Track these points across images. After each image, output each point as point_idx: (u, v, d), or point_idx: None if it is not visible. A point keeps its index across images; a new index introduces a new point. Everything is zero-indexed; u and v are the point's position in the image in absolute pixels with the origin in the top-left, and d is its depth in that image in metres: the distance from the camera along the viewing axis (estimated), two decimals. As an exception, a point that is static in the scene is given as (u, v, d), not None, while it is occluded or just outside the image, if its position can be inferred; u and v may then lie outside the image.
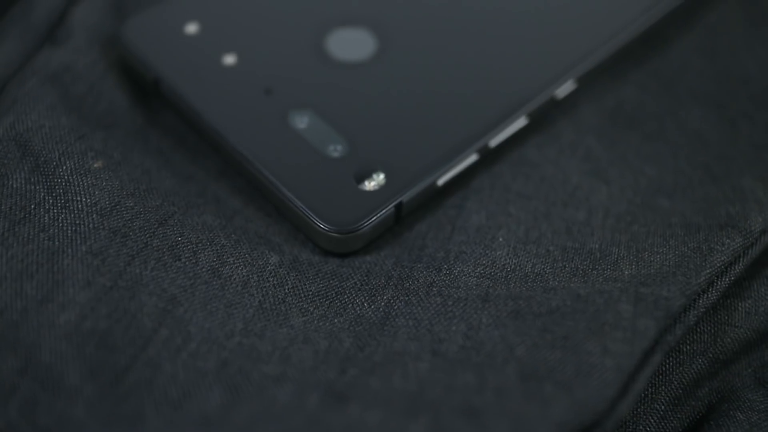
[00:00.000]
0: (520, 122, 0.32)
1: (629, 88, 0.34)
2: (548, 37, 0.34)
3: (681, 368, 0.28)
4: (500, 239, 0.29)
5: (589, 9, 0.35)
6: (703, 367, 0.29)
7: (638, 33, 0.34)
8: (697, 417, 0.29)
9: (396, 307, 0.27)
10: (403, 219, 0.30)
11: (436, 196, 0.31)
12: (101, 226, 0.27)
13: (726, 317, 0.29)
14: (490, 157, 0.32)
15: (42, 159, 0.29)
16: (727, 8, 0.37)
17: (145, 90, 0.33)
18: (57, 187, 0.28)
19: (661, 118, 0.34)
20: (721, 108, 0.34)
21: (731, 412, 0.28)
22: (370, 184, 0.29)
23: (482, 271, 0.28)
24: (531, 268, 0.28)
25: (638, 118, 0.33)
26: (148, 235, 0.28)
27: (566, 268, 0.28)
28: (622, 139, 0.33)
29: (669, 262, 0.28)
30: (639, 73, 0.35)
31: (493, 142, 0.31)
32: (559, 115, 0.33)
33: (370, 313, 0.27)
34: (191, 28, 0.33)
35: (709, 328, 0.29)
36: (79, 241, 0.27)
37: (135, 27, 0.33)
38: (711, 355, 0.29)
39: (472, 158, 0.31)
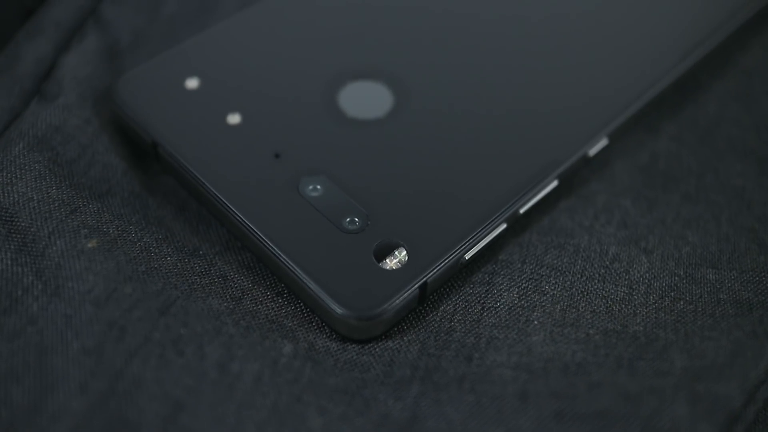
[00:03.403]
0: (551, 185, 0.29)
1: (663, 140, 0.32)
2: (578, 92, 0.31)
3: (736, 463, 0.26)
4: (535, 322, 0.27)
5: (619, 60, 0.32)
6: (759, 459, 0.26)
7: (672, 82, 0.32)
8: None
9: (424, 405, 0.25)
10: (427, 299, 0.27)
11: (461, 271, 0.28)
12: (96, 319, 0.25)
13: (781, 405, 0.26)
14: (518, 225, 0.29)
15: (30, 237, 0.26)
16: (761, 49, 0.35)
17: (142, 150, 0.30)
18: (47, 270, 0.26)
19: (699, 175, 0.31)
20: (762, 161, 0.32)
21: None
22: (391, 262, 0.26)
23: (518, 361, 0.26)
24: (571, 356, 0.26)
25: (675, 175, 0.31)
26: (148, 327, 0.25)
27: (610, 357, 0.26)
28: (660, 199, 0.30)
29: (724, 351, 0.25)
30: (672, 123, 0.33)
31: (523, 208, 0.28)
32: (590, 174, 0.31)
33: (396, 412, 0.25)
34: (191, 83, 0.30)
35: (765, 416, 0.26)
36: (71, 336, 0.24)
37: (130, 83, 0.30)
38: (766, 447, 0.26)
39: (501, 228, 0.28)
